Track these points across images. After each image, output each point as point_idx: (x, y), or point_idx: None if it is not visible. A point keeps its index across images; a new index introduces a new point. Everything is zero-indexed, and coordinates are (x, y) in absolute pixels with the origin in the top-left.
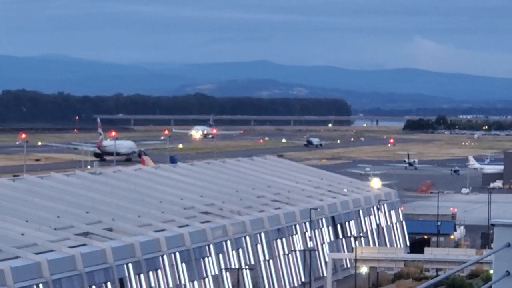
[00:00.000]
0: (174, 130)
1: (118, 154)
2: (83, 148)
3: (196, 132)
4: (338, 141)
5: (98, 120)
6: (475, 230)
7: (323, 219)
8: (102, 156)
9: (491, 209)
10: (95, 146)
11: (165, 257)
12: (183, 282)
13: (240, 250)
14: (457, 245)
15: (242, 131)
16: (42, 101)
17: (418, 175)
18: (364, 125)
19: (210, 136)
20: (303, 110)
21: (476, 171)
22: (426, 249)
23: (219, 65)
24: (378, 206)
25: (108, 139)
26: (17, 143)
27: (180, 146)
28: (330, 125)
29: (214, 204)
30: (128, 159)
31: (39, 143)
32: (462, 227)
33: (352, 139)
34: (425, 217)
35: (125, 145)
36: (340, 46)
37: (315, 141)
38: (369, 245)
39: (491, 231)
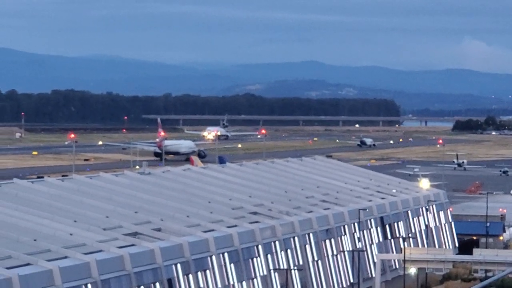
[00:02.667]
0: (186, 131)
1: (178, 153)
2: (143, 148)
3: (209, 134)
4: (391, 141)
5: (159, 120)
6: None
7: (372, 220)
8: (162, 155)
9: None
10: (155, 146)
11: (213, 257)
12: (231, 282)
13: (289, 251)
14: (506, 246)
15: (257, 132)
16: (91, 101)
17: (467, 176)
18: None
19: (223, 137)
20: (352, 110)
21: None
22: (475, 250)
23: (269, 66)
24: (427, 207)
25: (165, 139)
26: (66, 143)
27: (239, 146)
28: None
29: (263, 205)
30: (188, 158)
31: (100, 143)
32: (511, 228)
33: (400, 140)
34: (474, 218)
35: (185, 145)
36: (389, 46)
37: (369, 141)
38: (418, 246)
39: None
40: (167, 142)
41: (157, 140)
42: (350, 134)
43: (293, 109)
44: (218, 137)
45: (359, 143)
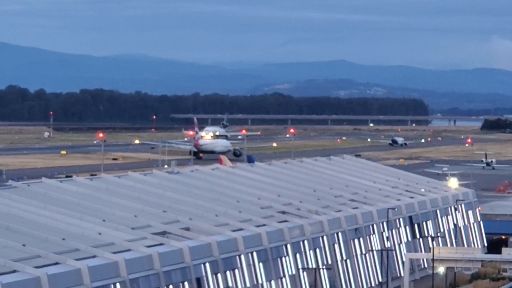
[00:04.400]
0: (184, 131)
1: (213, 152)
2: (179, 147)
3: (207, 134)
4: (422, 140)
5: (195, 119)
6: None
7: (401, 219)
8: (198, 154)
9: None
10: (192, 145)
11: (242, 256)
12: (260, 282)
13: (318, 250)
14: None
15: (259, 132)
16: (119, 100)
17: (496, 175)
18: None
19: (222, 137)
20: (380, 110)
21: None
22: (503, 249)
23: (297, 65)
24: (456, 206)
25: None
26: (95, 142)
27: (274, 144)
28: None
29: (291, 204)
30: None
31: (137, 141)
32: None
33: (429, 139)
34: (503, 217)
35: (221, 143)
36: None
37: (400, 140)
38: (447, 245)
39: None
40: (202, 141)
41: (194, 138)
42: (379, 134)
43: (321, 108)
44: (217, 138)
45: (390, 142)
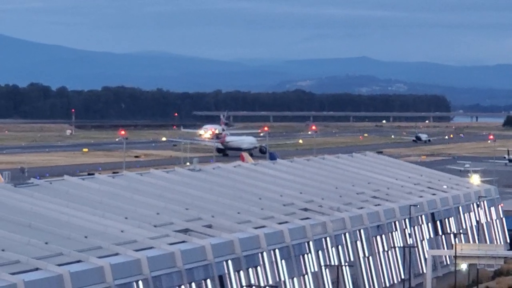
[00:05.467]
0: (182, 129)
1: (240, 149)
2: (205, 144)
3: (205, 132)
4: (446, 137)
5: (221, 117)
6: None
7: (423, 216)
8: (225, 151)
9: None
10: (218, 142)
11: (264, 254)
12: (282, 279)
13: (340, 247)
14: None
15: (260, 130)
16: (141, 98)
17: None
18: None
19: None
20: (402, 106)
21: None
22: None
23: (319, 62)
24: (478, 203)
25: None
26: (116, 139)
27: (300, 141)
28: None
29: (313, 201)
30: (250, 154)
31: (164, 139)
32: None
33: (451, 136)
34: None
35: (247, 140)
36: (440, 42)
37: (424, 136)
38: (469, 241)
39: None
40: (229, 138)
41: (220, 135)
42: (401, 130)
43: (343, 105)
44: (216, 136)
45: (414, 138)
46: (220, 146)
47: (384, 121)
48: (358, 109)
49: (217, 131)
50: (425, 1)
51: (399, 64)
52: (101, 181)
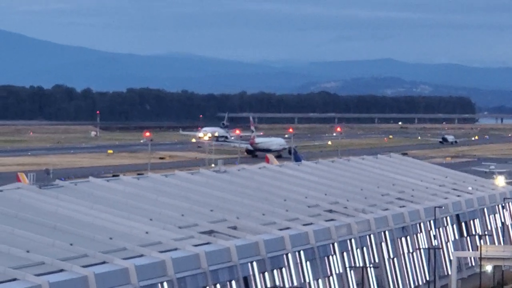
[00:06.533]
0: (181, 132)
1: (269, 150)
2: (235, 145)
3: (204, 135)
4: (473, 138)
5: (251, 118)
6: None
7: (448, 217)
8: (254, 152)
9: None
10: (248, 143)
11: (289, 255)
12: (307, 280)
13: (365, 248)
14: None
15: (262, 133)
16: (166, 99)
17: None
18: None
19: (222, 138)
20: (427, 108)
21: None
22: None
23: (344, 63)
24: (503, 204)
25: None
26: (141, 141)
27: (329, 143)
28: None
29: (338, 202)
30: (279, 155)
31: (193, 140)
32: None
33: (476, 137)
34: None
35: (276, 142)
36: (465, 43)
37: (450, 138)
38: (494, 243)
39: None
40: (258, 139)
41: (250, 136)
42: (426, 132)
43: (368, 107)
44: (217, 139)
45: (440, 140)
46: (249, 147)
47: (400, 123)
48: (383, 111)
49: (216, 134)
50: (451, 3)
51: (424, 65)
52: (126, 182)
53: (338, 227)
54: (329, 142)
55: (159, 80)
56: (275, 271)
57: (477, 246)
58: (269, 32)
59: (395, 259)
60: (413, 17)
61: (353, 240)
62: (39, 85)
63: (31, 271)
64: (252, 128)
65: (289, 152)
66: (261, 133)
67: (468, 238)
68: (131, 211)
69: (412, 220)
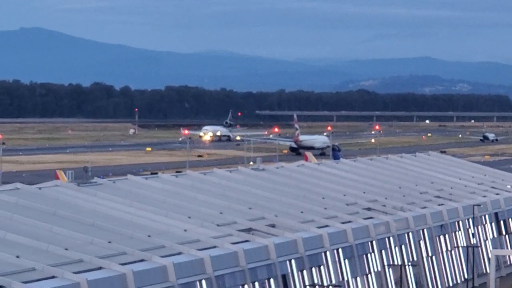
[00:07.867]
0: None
1: (312, 148)
2: (279, 142)
3: (205, 134)
4: None
5: (295, 116)
6: None
7: (486, 216)
8: (298, 150)
9: None
10: (292, 140)
11: (328, 253)
12: (345, 278)
13: (403, 246)
14: None
15: (266, 132)
16: (205, 97)
17: None
18: None
19: (225, 137)
20: (465, 106)
21: None
22: None
23: (382, 61)
24: None
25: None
26: (180, 139)
27: (373, 141)
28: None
29: (377, 200)
30: (322, 153)
31: (238, 138)
32: None
33: None
34: None
35: (320, 139)
36: (504, 41)
37: (491, 136)
38: None
39: None
40: (302, 137)
41: (295, 134)
42: (465, 130)
43: (407, 105)
44: (219, 138)
45: (481, 138)
46: (293, 145)
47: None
48: (422, 109)
49: (219, 133)
50: (489, 1)
51: (463, 64)
52: (165, 180)
53: (377, 225)
54: (373, 140)
55: (197, 78)
56: (313, 269)
57: None
58: (308, 30)
59: (433, 257)
60: (452, 15)
61: (391, 238)
62: (78, 83)
63: (70, 269)
64: (296, 126)
65: (333, 150)
66: (297, 132)
67: (506, 236)
68: (170, 209)
69: (450, 218)
